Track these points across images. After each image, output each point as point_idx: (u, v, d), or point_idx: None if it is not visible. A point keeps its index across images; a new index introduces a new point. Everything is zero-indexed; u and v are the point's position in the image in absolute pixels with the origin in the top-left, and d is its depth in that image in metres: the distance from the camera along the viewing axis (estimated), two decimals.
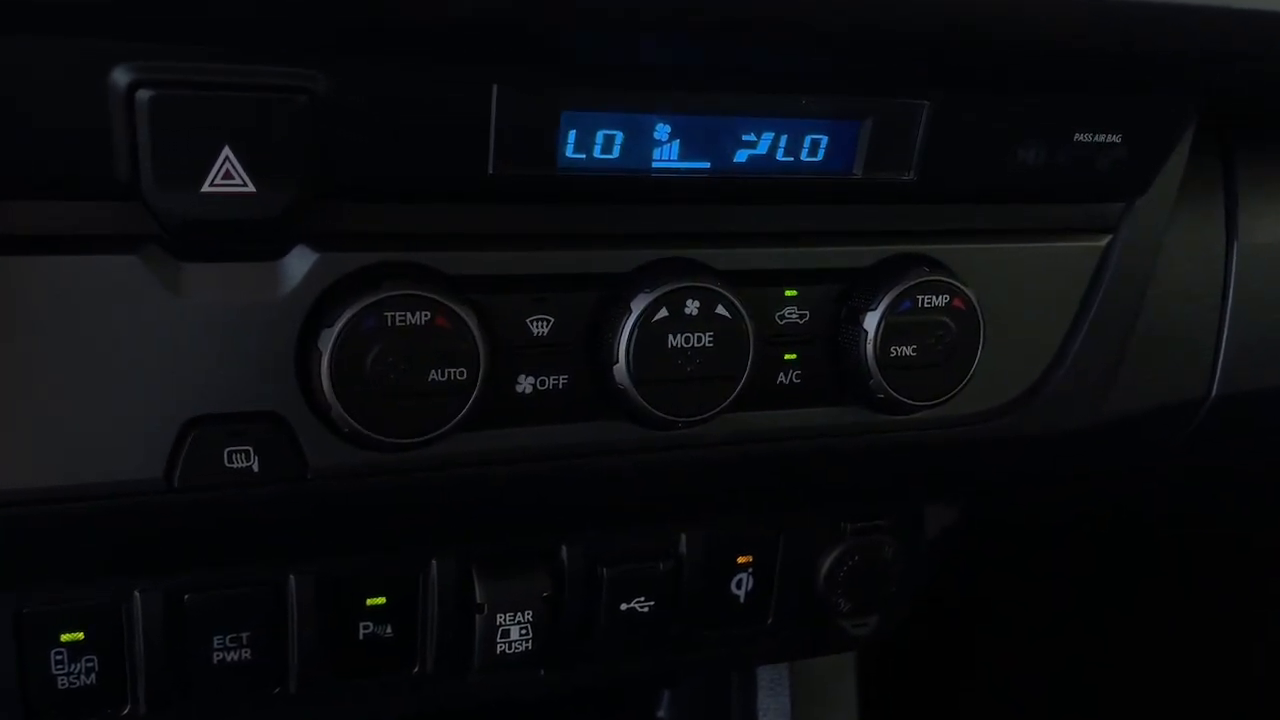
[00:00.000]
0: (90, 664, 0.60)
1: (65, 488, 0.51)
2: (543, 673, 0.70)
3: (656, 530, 0.70)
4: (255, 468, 0.54)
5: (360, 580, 0.64)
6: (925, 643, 1.18)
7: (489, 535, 0.66)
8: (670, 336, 0.58)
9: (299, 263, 0.52)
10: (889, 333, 0.62)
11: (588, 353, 0.59)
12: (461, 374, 0.54)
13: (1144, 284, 0.73)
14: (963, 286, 0.63)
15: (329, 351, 0.52)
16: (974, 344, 0.64)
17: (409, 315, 0.52)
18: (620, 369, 0.58)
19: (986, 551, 1.02)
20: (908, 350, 0.63)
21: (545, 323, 0.58)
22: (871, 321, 0.62)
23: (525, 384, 0.59)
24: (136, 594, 0.59)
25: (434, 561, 0.65)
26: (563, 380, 0.59)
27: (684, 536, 0.71)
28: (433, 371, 0.54)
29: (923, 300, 0.62)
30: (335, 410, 0.53)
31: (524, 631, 0.68)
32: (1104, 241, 0.69)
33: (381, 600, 0.65)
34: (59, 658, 0.59)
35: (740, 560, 0.74)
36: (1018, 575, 1.25)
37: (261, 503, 0.55)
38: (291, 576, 0.62)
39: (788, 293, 0.62)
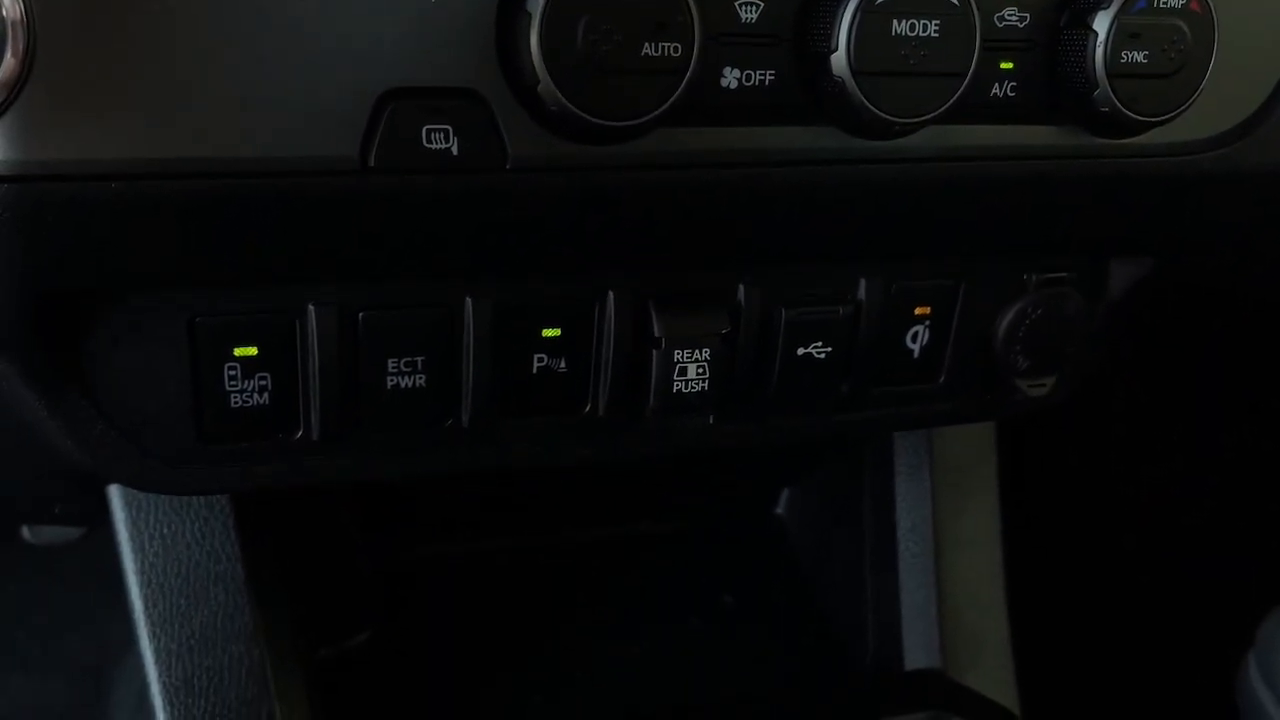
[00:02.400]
0: (263, 382, 0.57)
1: (255, 159, 0.48)
2: (712, 420, 0.67)
3: (836, 274, 0.66)
4: (454, 150, 0.50)
5: (536, 309, 0.61)
6: (1068, 434, 1.15)
7: (670, 264, 0.62)
8: (895, 22, 0.53)
9: None
10: (1120, 35, 0.57)
11: (799, 42, 0.54)
12: (676, 50, 0.49)
13: None
14: None
15: (539, 13, 0.47)
16: (1208, 53, 0.59)
17: None
18: (839, 57, 0.53)
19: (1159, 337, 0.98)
20: (1139, 57, 0.57)
21: (755, 8, 0.53)
22: (1103, 22, 0.57)
23: (730, 77, 0.54)
24: (311, 308, 0.56)
25: (611, 293, 0.61)
26: (770, 76, 0.54)
27: (863, 282, 0.67)
28: (647, 45, 0.49)
29: None
30: (544, 84, 0.48)
31: (701, 370, 0.64)
32: None
33: (557, 331, 0.61)
34: (232, 373, 0.56)
35: (918, 311, 0.69)
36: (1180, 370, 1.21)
37: (457, 194, 0.51)
38: (468, 299, 0.59)
39: None
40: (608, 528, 0.98)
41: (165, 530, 0.71)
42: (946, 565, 0.89)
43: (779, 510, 1.05)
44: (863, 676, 0.88)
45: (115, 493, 0.71)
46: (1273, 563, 1.01)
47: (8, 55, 0.43)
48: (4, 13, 0.42)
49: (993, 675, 0.87)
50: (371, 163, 0.49)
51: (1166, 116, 0.59)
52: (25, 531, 1.11)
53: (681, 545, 1.00)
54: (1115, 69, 0.58)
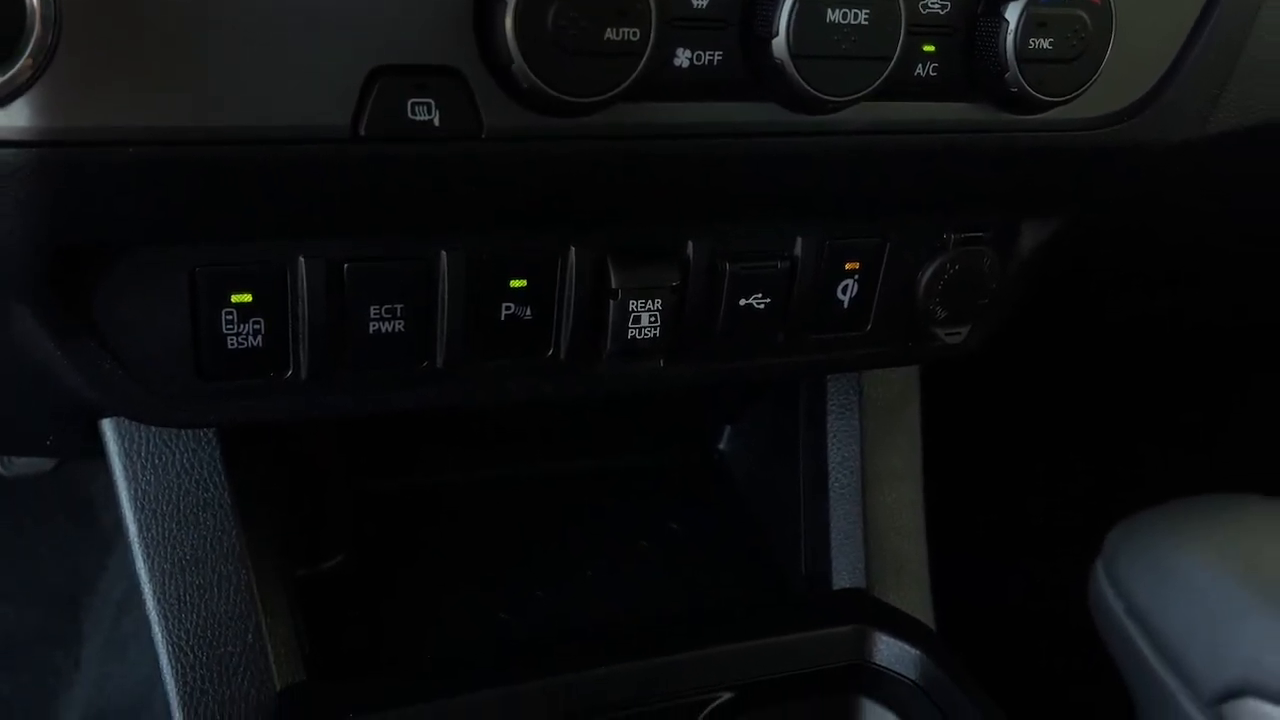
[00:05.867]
0: (257, 326, 0.63)
1: (259, 128, 0.53)
2: (663, 363, 0.74)
3: (775, 233, 0.73)
4: (436, 121, 0.55)
5: (504, 261, 0.67)
6: (979, 382, 1.24)
7: (626, 223, 0.68)
8: (830, 10, 0.59)
9: None
10: (1029, 24, 0.64)
11: (744, 27, 0.60)
12: (634, 34, 0.55)
13: (1256, 7, 0.75)
14: None
15: (513, 2, 0.53)
16: (1106, 41, 0.66)
17: None
18: (779, 42, 0.59)
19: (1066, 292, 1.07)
20: (1045, 44, 0.65)
21: None
22: (1014, 11, 0.64)
23: (682, 58, 0.60)
24: (301, 259, 0.62)
25: (572, 248, 0.68)
26: (718, 56, 0.60)
27: (800, 240, 0.74)
28: (609, 30, 0.55)
29: None
30: (517, 64, 0.54)
31: (653, 318, 0.71)
32: None
33: (523, 282, 0.68)
34: (229, 318, 0.62)
35: (848, 266, 0.77)
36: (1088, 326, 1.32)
37: (437, 161, 0.57)
38: (443, 253, 0.65)
39: None
40: (564, 463, 1.05)
41: (156, 461, 0.77)
42: (872, 496, 0.97)
43: (721, 446, 1.13)
44: (795, 594, 0.96)
45: (109, 426, 0.76)
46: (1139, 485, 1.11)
47: (37, 31, 0.47)
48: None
49: (911, 594, 0.96)
50: (362, 132, 0.55)
51: (1069, 97, 0.67)
52: None
53: (632, 478, 1.07)
54: (1024, 54, 0.65)
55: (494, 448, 1.02)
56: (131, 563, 0.78)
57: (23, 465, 1.36)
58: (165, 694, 0.76)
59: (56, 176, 0.51)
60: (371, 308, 0.65)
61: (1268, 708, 0.37)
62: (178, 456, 0.77)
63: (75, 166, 0.51)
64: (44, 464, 1.37)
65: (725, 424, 1.12)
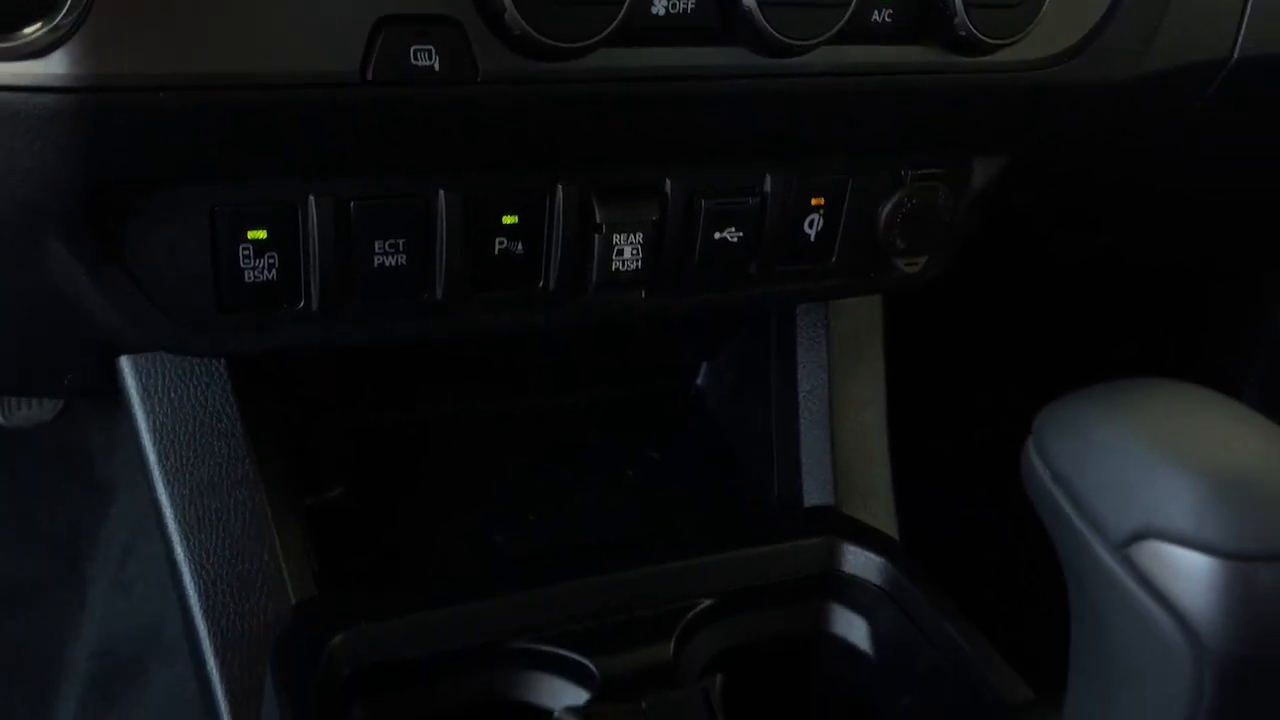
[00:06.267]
0: (271, 260, 0.68)
1: (278, 74, 0.58)
2: (644, 294, 0.80)
3: (746, 170, 0.79)
4: (436, 66, 0.61)
5: (497, 199, 0.72)
6: (939, 319, 1.31)
7: (609, 161, 0.74)
8: None
9: None
10: None
11: None
12: None
13: None
14: None
15: None
16: None
17: None
18: None
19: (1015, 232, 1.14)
20: None
21: None
22: None
23: (659, 6, 0.65)
24: (311, 198, 0.67)
25: (560, 186, 0.73)
26: (691, 5, 0.66)
27: (769, 177, 0.80)
28: None
29: None
30: (509, 13, 0.59)
31: (635, 251, 0.77)
32: None
33: (515, 219, 0.73)
34: (245, 252, 0.67)
35: (814, 202, 0.83)
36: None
37: (436, 103, 0.62)
38: (441, 192, 0.70)
39: None
40: (551, 398, 1.11)
41: (171, 395, 0.82)
42: (839, 422, 1.04)
43: (699, 382, 1.19)
44: (769, 512, 1.03)
45: (126, 363, 0.81)
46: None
47: None
48: None
49: (876, 510, 1.03)
50: (370, 77, 0.60)
51: (1013, 39, 0.73)
52: None
53: (615, 412, 1.13)
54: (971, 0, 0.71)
55: (484, 385, 1.08)
56: (152, 490, 0.84)
57: (22, 417, 1.40)
58: (189, 610, 0.82)
59: (93, 120, 0.56)
60: (376, 243, 0.70)
61: (1166, 547, 0.44)
62: (191, 391, 0.83)
63: (110, 110, 0.56)
64: (44, 415, 1.41)
65: (702, 361, 1.19)
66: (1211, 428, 0.47)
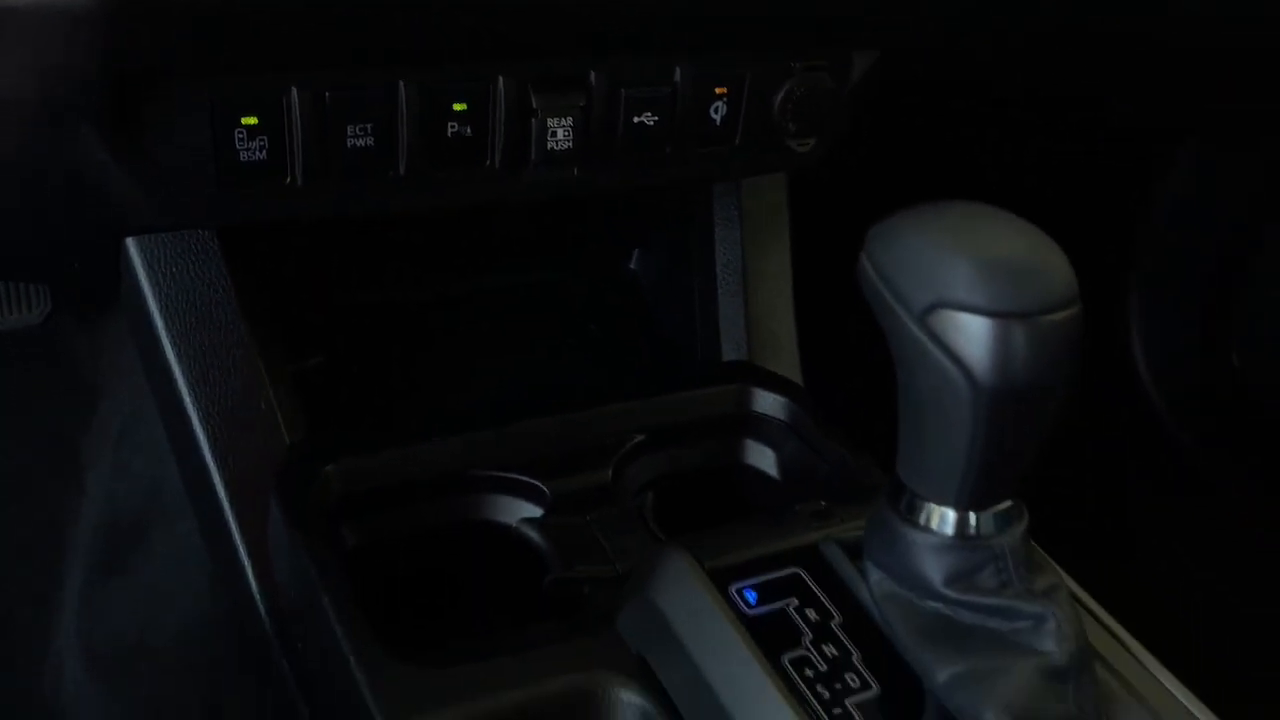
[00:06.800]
0: (262, 142, 0.82)
1: None
2: (576, 171, 0.95)
3: (659, 64, 0.94)
4: None
5: (449, 89, 0.86)
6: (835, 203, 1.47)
7: (542, 55, 0.88)
8: None
9: None
10: None
11: None
12: None
13: None
14: None
15: None
16: None
17: None
18: None
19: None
20: None
21: None
22: None
23: None
24: (294, 89, 0.81)
25: (500, 78, 0.87)
26: None
27: (679, 69, 0.94)
28: None
29: None
30: None
31: (567, 134, 0.91)
32: None
33: (464, 106, 0.88)
34: (240, 136, 0.81)
35: (718, 91, 0.98)
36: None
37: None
38: (401, 83, 0.84)
39: None
40: (500, 278, 1.26)
41: (174, 270, 0.95)
42: (752, 290, 1.20)
43: (632, 266, 1.34)
44: (692, 366, 1.20)
45: (132, 243, 0.94)
46: None
47: None
48: None
49: (784, 363, 1.19)
50: None
51: None
52: None
53: (558, 293, 1.28)
54: None
55: (446, 269, 1.22)
56: (160, 355, 0.97)
57: (10, 321, 1.51)
58: (198, 453, 0.96)
59: (118, 16, 0.69)
60: (348, 127, 0.84)
61: (952, 313, 0.60)
62: (190, 267, 0.96)
63: (133, 9, 0.69)
64: (32, 319, 1.51)
65: (634, 247, 1.34)
66: (988, 231, 0.63)
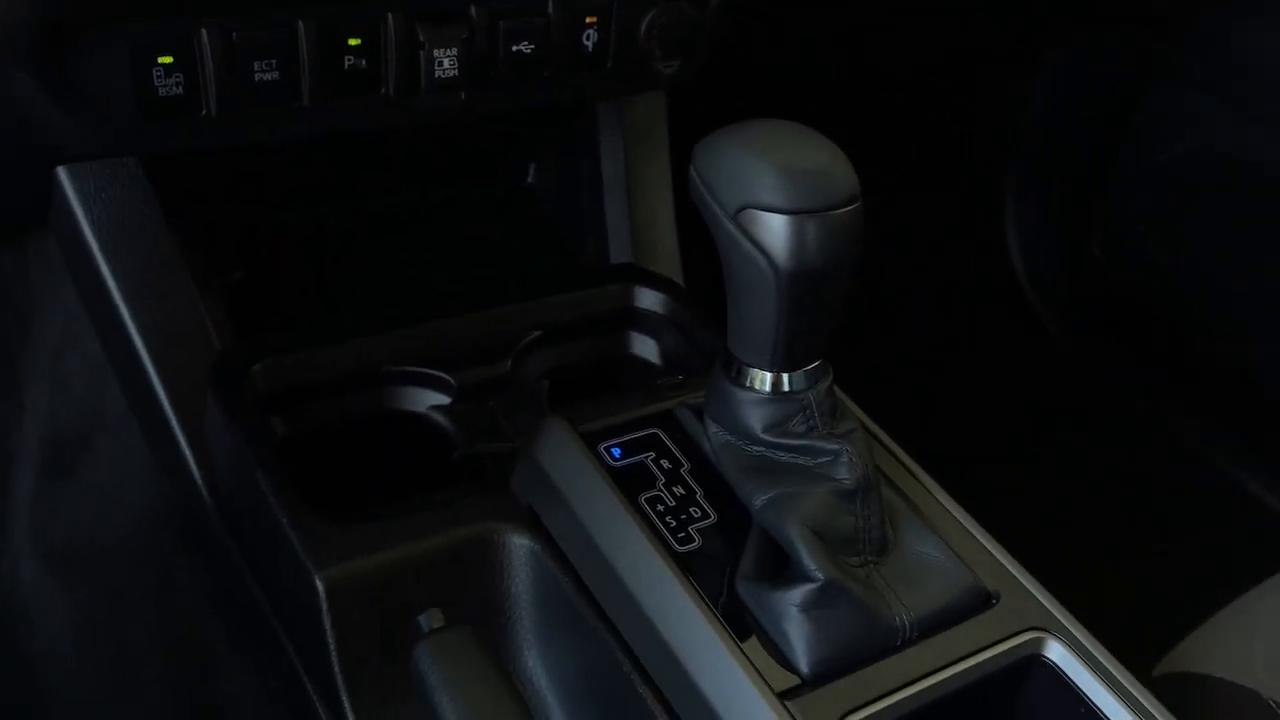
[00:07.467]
0: (178, 79, 0.92)
1: None
2: (464, 96, 1.06)
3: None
4: None
5: (344, 26, 0.97)
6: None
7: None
8: None
9: None
10: None
11: None
12: None
13: None
14: None
15: None
16: None
17: None
18: None
19: None
20: None
21: None
22: None
23: None
24: (203, 30, 0.91)
25: (390, 15, 0.98)
26: None
27: (550, 2, 1.06)
28: None
29: None
30: None
31: (452, 63, 1.03)
32: None
33: (358, 41, 0.98)
34: (158, 73, 0.91)
35: (588, 20, 1.09)
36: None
37: None
38: (300, 22, 0.95)
39: None
40: (403, 197, 1.37)
41: (104, 195, 1.05)
42: (636, 200, 1.33)
43: (529, 180, 1.47)
44: (583, 269, 1.34)
45: (63, 171, 1.04)
46: None
47: None
48: None
49: (666, 264, 1.33)
50: None
51: None
52: None
53: (459, 206, 1.40)
54: None
55: (355, 189, 1.33)
56: (96, 275, 1.08)
57: None
58: (138, 360, 1.08)
59: None
60: (255, 63, 0.95)
61: (757, 213, 0.74)
62: (118, 192, 1.06)
63: None
64: None
65: (530, 162, 1.46)
66: (790, 144, 0.77)
